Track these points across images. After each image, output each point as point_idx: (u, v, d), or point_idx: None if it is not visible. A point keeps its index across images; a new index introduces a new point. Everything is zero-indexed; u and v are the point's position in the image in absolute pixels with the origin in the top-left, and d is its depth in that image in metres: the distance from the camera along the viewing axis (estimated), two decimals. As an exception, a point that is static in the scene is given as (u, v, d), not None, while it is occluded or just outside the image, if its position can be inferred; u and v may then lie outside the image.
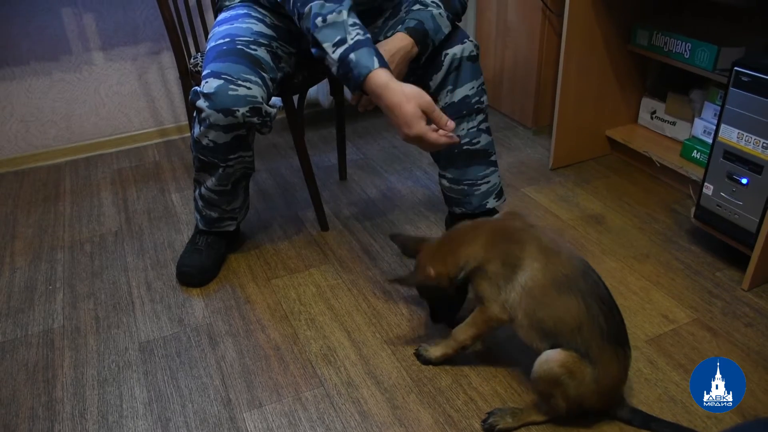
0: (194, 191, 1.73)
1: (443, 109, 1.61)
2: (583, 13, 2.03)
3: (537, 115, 2.49)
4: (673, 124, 2.16)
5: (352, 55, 1.30)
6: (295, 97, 1.99)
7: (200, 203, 1.72)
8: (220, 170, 1.60)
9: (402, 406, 1.33)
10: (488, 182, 1.72)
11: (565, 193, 2.10)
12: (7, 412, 1.39)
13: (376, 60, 1.29)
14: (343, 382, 1.40)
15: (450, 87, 1.60)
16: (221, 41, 1.54)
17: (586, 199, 2.06)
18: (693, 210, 1.78)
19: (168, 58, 2.52)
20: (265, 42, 1.58)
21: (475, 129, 1.66)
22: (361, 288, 1.68)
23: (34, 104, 2.41)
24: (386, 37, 1.53)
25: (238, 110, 1.44)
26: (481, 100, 1.64)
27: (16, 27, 2.29)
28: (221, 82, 1.44)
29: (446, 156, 1.71)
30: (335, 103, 2.13)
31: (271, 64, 1.57)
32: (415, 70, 1.60)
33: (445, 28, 1.56)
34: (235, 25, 1.58)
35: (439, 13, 1.55)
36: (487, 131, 1.69)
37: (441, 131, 1.30)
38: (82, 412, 1.37)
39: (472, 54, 1.60)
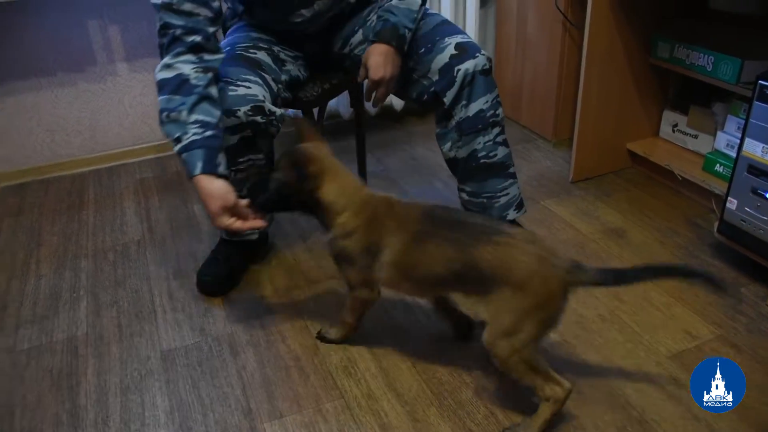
0: None
1: (458, 124, 1.62)
2: (604, 25, 2.03)
3: (557, 127, 2.49)
4: (695, 137, 2.15)
5: (184, 155, 1.38)
6: (316, 109, 2.00)
7: (220, 212, 1.74)
8: (232, 175, 1.60)
9: (422, 420, 1.33)
10: (507, 194, 1.72)
11: (586, 206, 2.10)
12: (32, 416, 1.41)
13: (199, 166, 1.36)
14: (364, 394, 1.40)
15: (464, 102, 1.60)
16: (225, 51, 1.60)
17: (607, 213, 2.05)
18: (716, 224, 1.76)
19: (190, 69, 2.55)
20: (265, 46, 1.65)
21: (491, 142, 1.65)
22: (382, 300, 1.66)
23: (59, 114, 2.44)
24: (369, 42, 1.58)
25: (239, 109, 1.47)
26: (497, 113, 1.64)
27: (45, 39, 2.33)
28: (222, 84, 1.49)
29: (464, 170, 1.72)
30: (355, 114, 2.15)
31: (273, 65, 1.62)
32: (417, 73, 1.63)
33: (414, 5, 1.58)
34: (235, 35, 1.68)
35: (399, 0, 1.58)
36: (504, 143, 1.69)
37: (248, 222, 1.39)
38: (105, 420, 1.39)
39: (485, 68, 1.60)
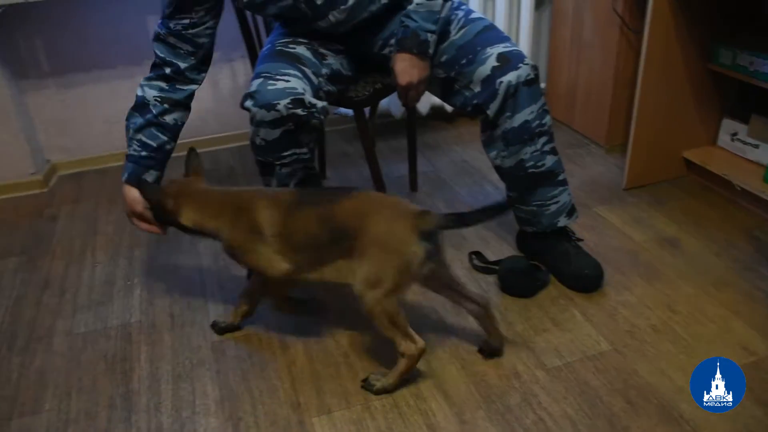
0: None
1: (504, 134, 1.60)
2: (664, 31, 1.99)
3: (610, 132, 2.45)
4: (756, 147, 2.09)
5: (125, 161, 1.66)
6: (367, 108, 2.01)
7: (270, 206, 1.77)
8: (277, 169, 1.62)
9: (470, 422, 1.33)
10: (557, 202, 1.70)
11: (639, 214, 2.06)
12: (88, 399, 1.45)
13: (125, 175, 1.64)
14: (412, 393, 1.41)
15: (508, 113, 1.58)
16: (264, 50, 1.70)
17: (661, 222, 2.02)
18: (776, 237, 1.72)
19: (240, 65, 2.59)
20: (305, 41, 1.68)
21: (538, 152, 1.62)
22: (431, 300, 1.69)
23: (117, 106, 2.47)
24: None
25: (279, 103, 1.48)
26: (543, 122, 1.61)
27: (108, 33, 2.40)
28: (261, 79, 1.53)
29: (512, 179, 1.70)
30: (407, 114, 2.15)
31: (313, 59, 1.64)
32: (457, 81, 1.62)
33: (435, 6, 1.56)
34: (276, 33, 1.75)
35: (417, 3, 1.55)
36: (552, 152, 1.66)
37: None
38: (157, 406, 1.42)
39: (529, 78, 1.55)
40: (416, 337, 1.35)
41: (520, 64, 1.55)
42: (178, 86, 1.66)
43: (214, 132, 2.67)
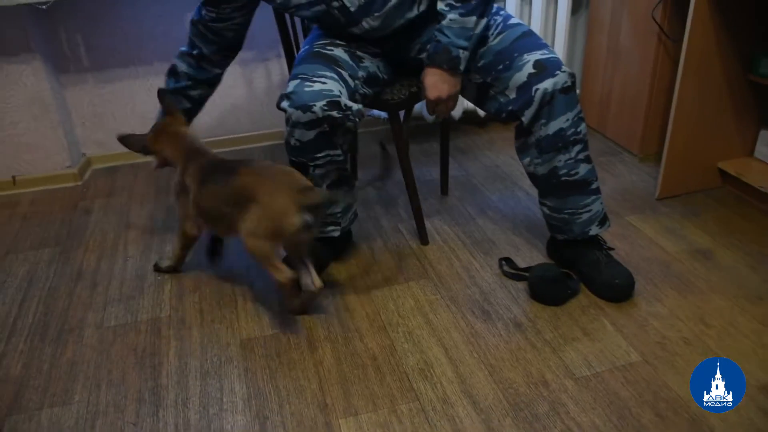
0: None
1: (538, 141, 1.59)
2: (704, 40, 1.96)
3: (644, 141, 2.43)
4: (794, 160, 2.06)
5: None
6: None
7: (302, 207, 1.78)
8: (311, 170, 1.64)
9: (497, 429, 1.32)
10: (590, 211, 1.68)
11: (672, 224, 2.03)
12: (117, 392, 1.47)
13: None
14: (439, 398, 1.40)
15: (543, 121, 1.56)
16: (302, 51, 1.71)
17: (694, 233, 1.99)
18: (814, 253, 1.69)
19: (274, 65, 2.61)
20: (342, 43, 1.68)
21: (572, 160, 1.61)
22: (460, 305, 1.68)
23: (153, 102, 2.49)
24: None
25: (315, 104, 1.50)
26: (578, 130, 1.59)
27: (146, 30, 2.43)
28: (298, 81, 1.54)
29: (545, 185, 1.69)
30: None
31: (350, 62, 1.64)
32: (488, 88, 1.63)
33: (469, 23, 1.55)
34: (314, 34, 1.77)
35: (451, 19, 1.54)
36: (587, 160, 1.64)
37: None
38: (185, 401, 1.43)
39: (566, 85, 1.54)
40: (285, 268, 1.54)
41: (557, 72, 1.53)
42: (203, 67, 1.81)
43: (247, 130, 2.70)
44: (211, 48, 1.78)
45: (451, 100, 1.63)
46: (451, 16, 1.54)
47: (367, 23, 1.62)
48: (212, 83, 1.88)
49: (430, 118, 2.64)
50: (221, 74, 1.87)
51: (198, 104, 1.90)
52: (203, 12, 1.71)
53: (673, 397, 1.38)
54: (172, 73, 1.84)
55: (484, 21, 1.57)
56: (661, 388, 1.41)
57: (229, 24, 1.72)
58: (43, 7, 2.17)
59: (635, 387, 1.41)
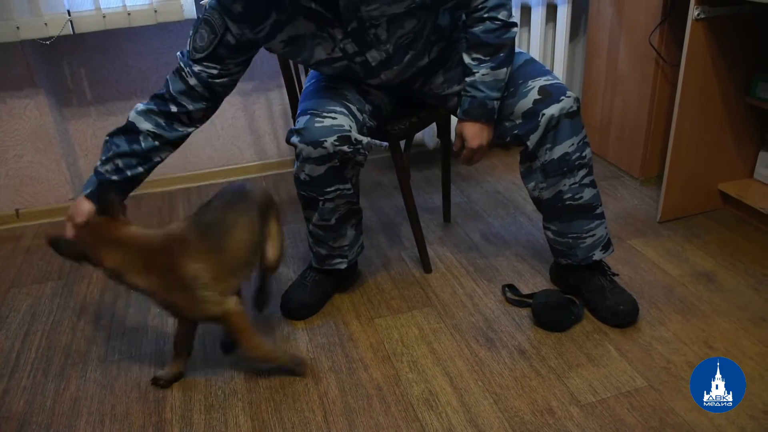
0: (306, 228, 1.79)
1: (543, 166, 1.61)
2: (701, 64, 1.98)
3: (645, 165, 2.44)
4: (795, 181, 2.06)
5: (92, 174, 1.57)
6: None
7: (310, 240, 1.78)
8: (320, 204, 1.65)
9: (503, 459, 1.31)
10: (593, 235, 1.69)
11: (674, 247, 2.03)
12: (120, 427, 1.46)
13: (88, 191, 1.54)
14: (445, 428, 1.39)
15: (548, 145, 1.58)
16: (309, 84, 1.71)
17: (697, 255, 1.98)
18: (817, 275, 1.68)
19: (275, 95, 2.63)
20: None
21: (577, 185, 1.62)
22: (464, 333, 1.68)
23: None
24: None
25: (326, 140, 1.50)
26: (583, 155, 1.60)
27: (148, 63, 2.46)
28: (308, 116, 1.54)
29: (549, 210, 1.69)
30: (441, 145, 2.16)
31: (357, 96, 1.66)
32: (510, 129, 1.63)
33: (500, 75, 1.57)
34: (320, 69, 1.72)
35: (483, 74, 1.56)
36: (591, 185, 1.65)
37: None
38: (190, 436, 1.43)
39: (572, 110, 1.56)
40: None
41: (563, 97, 1.55)
42: (176, 126, 1.59)
43: (249, 161, 2.71)
44: (199, 105, 1.58)
45: (487, 147, 1.66)
46: (483, 71, 1.56)
47: (384, 75, 1.65)
48: (178, 145, 1.62)
49: (431, 144, 2.66)
50: (189, 135, 1.63)
51: (150, 170, 1.62)
52: (197, 68, 1.53)
53: (679, 422, 1.37)
54: (127, 131, 1.55)
55: (509, 69, 1.60)
56: (667, 413, 1.40)
57: (228, 80, 1.59)
58: (47, 42, 2.20)
59: (641, 413, 1.40)
